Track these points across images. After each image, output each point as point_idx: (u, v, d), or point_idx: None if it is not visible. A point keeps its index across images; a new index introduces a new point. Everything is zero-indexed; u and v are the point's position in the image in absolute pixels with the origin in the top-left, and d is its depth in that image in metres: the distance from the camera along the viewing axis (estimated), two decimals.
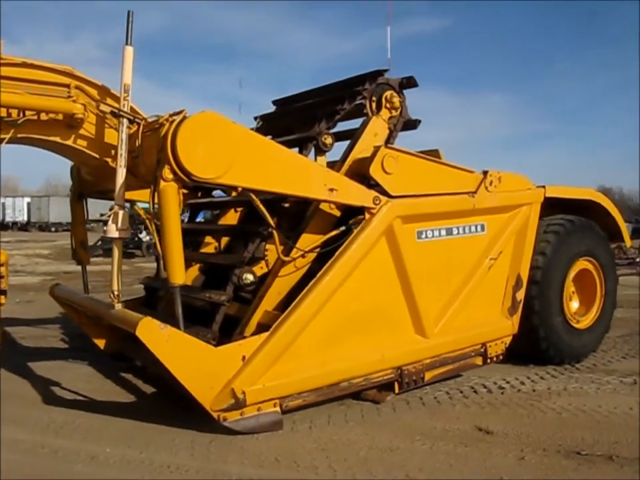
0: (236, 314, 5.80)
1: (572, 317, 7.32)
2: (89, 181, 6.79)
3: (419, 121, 6.60)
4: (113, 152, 5.51)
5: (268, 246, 5.90)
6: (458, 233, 6.32)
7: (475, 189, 6.40)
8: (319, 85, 7.09)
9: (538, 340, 6.93)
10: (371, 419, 5.35)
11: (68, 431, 5.05)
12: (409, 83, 6.42)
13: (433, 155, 6.48)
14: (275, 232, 5.41)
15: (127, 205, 5.54)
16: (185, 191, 5.47)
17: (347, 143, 6.30)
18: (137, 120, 5.28)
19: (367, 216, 5.53)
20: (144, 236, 25.56)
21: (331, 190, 5.34)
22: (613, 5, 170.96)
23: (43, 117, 5.32)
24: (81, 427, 5.13)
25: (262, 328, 5.32)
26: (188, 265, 5.76)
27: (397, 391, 5.79)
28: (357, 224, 5.56)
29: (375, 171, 5.63)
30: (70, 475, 4.18)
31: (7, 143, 5.30)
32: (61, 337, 9.11)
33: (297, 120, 6.96)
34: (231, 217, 7.26)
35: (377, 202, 5.55)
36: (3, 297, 5.69)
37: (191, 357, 4.74)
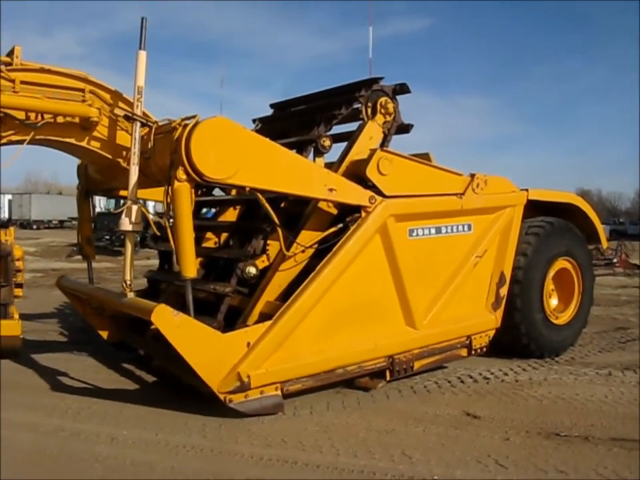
0: (238, 305, 6.15)
1: (551, 314, 7.77)
2: (97, 179, 7.10)
3: (412, 126, 7.02)
4: (124, 153, 5.84)
5: (269, 241, 6.25)
6: (446, 232, 6.75)
7: (463, 191, 6.83)
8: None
9: (520, 335, 7.37)
10: (367, 405, 5.75)
11: (85, 416, 5.40)
12: (402, 89, 6.84)
13: (423, 158, 6.91)
14: (279, 229, 5.80)
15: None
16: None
17: (343, 144, 6.70)
18: (149, 123, 5.63)
19: (363, 214, 5.95)
20: None
21: (331, 190, 5.76)
22: (592, 7, 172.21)
23: (60, 119, 5.63)
24: (97, 412, 5.49)
25: (264, 317, 5.70)
26: None
27: (388, 378, 6.19)
28: (354, 221, 5.97)
29: (371, 172, 6.03)
30: (94, 455, 4.54)
31: (27, 144, 5.60)
32: (60, 331, 9.41)
33: (296, 123, 7.36)
34: (230, 214, 7.63)
35: (373, 201, 5.97)
36: (20, 289, 6.01)
37: (201, 342, 5.12)
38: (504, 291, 7.21)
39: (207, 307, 5.91)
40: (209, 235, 7.42)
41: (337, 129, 7.12)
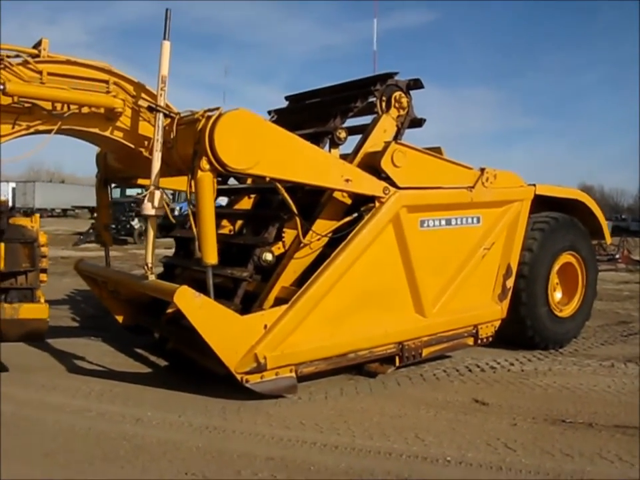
0: (253, 290, 6.34)
1: (556, 307, 7.97)
2: (116, 168, 7.27)
3: (424, 120, 7.21)
4: (146, 143, 6.01)
5: (285, 229, 6.43)
6: (456, 224, 6.95)
7: (473, 184, 7.04)
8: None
9: (525, 328, 7.58)
10: (379, 391, 5.97)
11: (108, 398, 5.61)
12: (416, 84, 7.03)
13: (435, 151, 7.11)
14: (297, 217, 6.01)
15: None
16: None
17: (356, 137, 6.87)
18: (171, 114, 5.82)
19: (377, 204, 6.16)
20: (135, 223, 25.98)
21: (347, 180, 5.98)
22: (599, 2, 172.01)
23: (85, 110, 5.77)
24: (120, 394, 5.70)
25: (280, 302, 5.90)
26: None
27: (397, 364, 6.40)
28: (368, 211, 6.18)
29: (385, 164, 6.24)
30: (121, 434, 4.76)
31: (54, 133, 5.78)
32: (73, 317, 9.63)
33: (311, 115, 7.55)
34: (244, 204, 7.85)
35: (387, 192, 6.18)
36: (44, 274, 6.21)
37: (220, 323, 5.33)
38: (510, 282, 7.40)
39: (222, 292, 6.11)
40: (223, 222, 7.61)
41: (350, 122, 7.31)
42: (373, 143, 6.60)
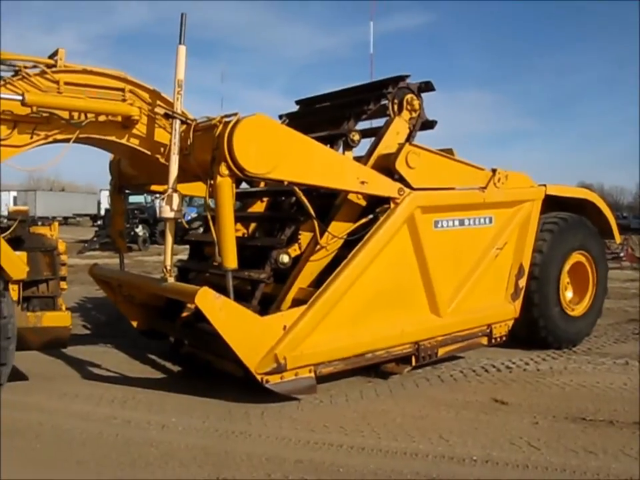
0: (270, 292, 6.37)
1: (567, 306, 8.02)
2: (130, 174, 7.31)
3: (436, 122, 7.27)
4: (162, 149, 6.04)
5: (301, 231, 6.46)
6: (469, 224, 7.02)
7: (485, 185, 7.11)
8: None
9: (538, 329, 7.64)
10: (399, 393, 6.02)
11: (132, 405, 5.66)
12: (427, 87, 7.09)
13: (447, 152, 7.16)
14: (314, 220, 6.08)
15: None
16: None
17: (368, 140, 6.98)
18: (188, 121, 5.88)
19: (392, 205, 6.23)
20: (140, 230, 26.04)
21: (362, 182, 6.05)
22: (595, 2, 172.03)
23: (102, 118, 5.82)
24: (142, 401, 5.75)
25: (297, 303, 5.97)
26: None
27: (413, 364, 6.45)
28: (383, 212, 6.24)
29: (399, 165, 6.31)
30: (149, 441, 4.81)
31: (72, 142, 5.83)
32: (87, 325, 9.64)
33: (323, 118, 7.60)
34: (256, 206, 7.92)
35: (401, 193, 6.25)
36: (64, 282, 6.26)
37: (240, 324, 5.39)
38: (523, 282, 7.46)
39: (239, 294, 6.14)
40: (237, 226, 7.66)
41: (361, 126, 7.36)
42: (386, 145, 6.66)
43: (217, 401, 5.70)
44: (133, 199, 29.98)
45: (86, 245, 24.68)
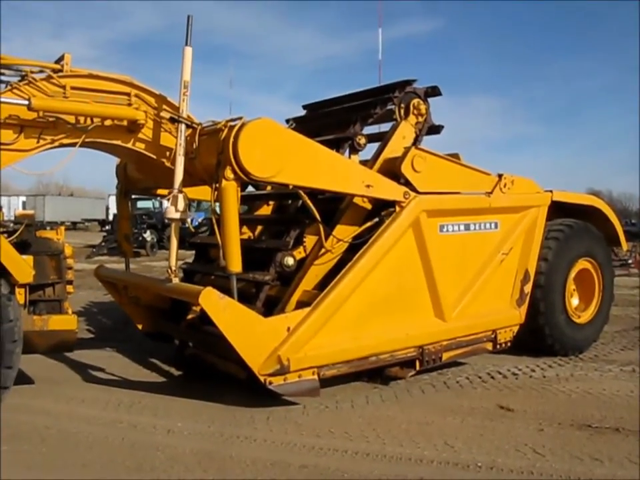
0: (275, 294, 6.38)
1: (573, 313, 7.99)
2: (136, 179, 7.35)
3: (442, 127, 7.29)
4: (168, 153, 6.07)
5: (306, 234, 6.49)
6: (474, 229, 7.03)
7: (491, 190, 7.12)
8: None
9: (544, 337, 7.61)
10: (404, 399, 6.02)
11: (138, 409, 5.68)
12: (434, 92, 7.11)
13: (453, 157, 7.16)
14: (320, 223, 6.11)
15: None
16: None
17: (374, 144, 6.98)
18: (193, 125, 5.89)
19: (397, 209, 6.24)
20: (148, 235, 26.11)
21: (368, 186, 6.07)
22: (604, 8, 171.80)
23: (108, 122, 5.85)
24: (148, 405, 5.77)
25: (302, 305, 5.97)
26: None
27: (417, 368, 6.43)
28: (388, 215, 6.26)
29: (405, 169, 6.33)
30: (154, 445, 4.82)
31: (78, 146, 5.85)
32: (93, 330, 9.67)
33: (330, 122, 7.62)
34: (261, 210, 7.94)
35: (407, 197, 6.27)
36: (71, 286, 6.28)
37: (244, 325, 5.40)
38: (528, 288, 7.45)
39: (244, 296, 6.12)
40: (243, 229, 7.68)
41: (368, 130, 7.37)
42: (392, 149, 6.68)
43: (222, 406, 5.72)
44: (141, 204, 30.09)
45: (94, 249, 24.77)
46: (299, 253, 6.38)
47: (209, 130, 5.81)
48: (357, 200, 6.42)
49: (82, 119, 5.74)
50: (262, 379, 5.46)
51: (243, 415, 5.49)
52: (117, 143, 6.06)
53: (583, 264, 8.18)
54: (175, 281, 5.81)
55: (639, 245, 18.11)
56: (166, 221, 7.08)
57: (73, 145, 5.78)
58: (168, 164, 6.05)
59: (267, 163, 5.44)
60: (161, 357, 7.55)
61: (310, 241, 6.44)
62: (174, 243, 5.80)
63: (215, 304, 5.26)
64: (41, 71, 5.62)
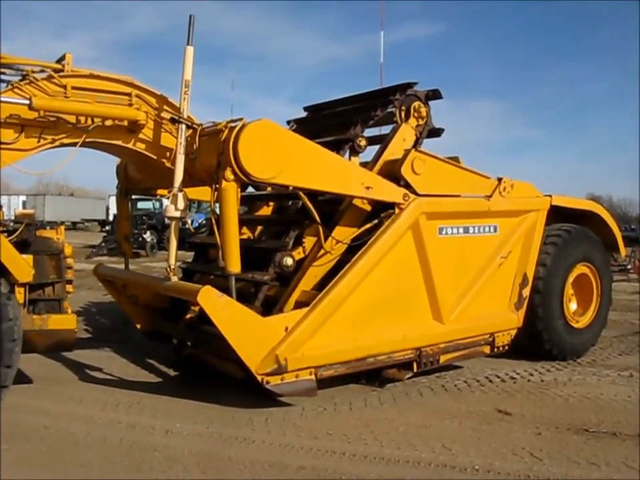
0: (273, 295, 6.39)
1: (572, 318, 7.99)
2: (137, 179, 7.36)
3: (442, 130, 7.31)
4: (168, 154, 6.08)
5: (305, 234, 6.48)
6: (473, 232, 7.04)
7: (491, 193, 7.14)
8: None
9: (542, 342, 7.62)
10: (402, 402, 6.02)
11: (137, 410, 5.69)
12: (435, 95, 7.13)
13: (453, 160, 7.18)
14: (319, 224, 6.13)
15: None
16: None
17: (374, 146, 6.99)
18: (194, 125, 5.91)
19: (397, 210, 6.26)
20: (147, 236, 26.11)
21: (367, 188, 6.08)
22: (605, 12, 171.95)
23: (108, 123, 5.86)
24: (147, 406, 5.78)
25: (300, 305, 5.98)
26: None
27: (415, 370, 6.45)
28: (388, 217, 6.28)
29: (405, 171, 6.35)
30: (153, 445, 4.84)
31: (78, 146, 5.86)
32: (92, 330, 9.65)
33: (330, 124, 7.63)
34: (261, 211, 7.97)
35: (407, 199, 6.28)
36: (71, 285, 6.29)
37: (242, 324, 5.41)
38: (526, 291, 7.46)
39: (243, 296, 6.10)
40: (243, 230, 7.69)
41: (368, 133, 7.39)
42: (393, 151, 6.71)
43: (221, 407, 5.73)
44: (141, 205, 30.10)
45: (94, 250, 24.77)
46: (298, 254, 6.39)
47: (209, 131, 5.82)
48: (356, 201, 6.43)
49: (83, 119, 5.75)
50: (259, 378, 5.47)
51: (242, 416, 5.50)
52: (117, 143, 6.07)
53: (581, 269, 8.19)
54: (174, 279, 5.82)
55: (638, 250, 18.17)
56: (166, 220, 7.08)
57: (74, 144, 5.79)
58: (168, 164, 6.06)
59: (267, 164, 5.45)
60: (160, 357, 7.56)
61: (309, 241, 6.45)
62: (173, 241, 5.81)
63: (214, 302, 5.27)
64: (42, 71, 5.62)
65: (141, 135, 6.08)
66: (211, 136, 5.72)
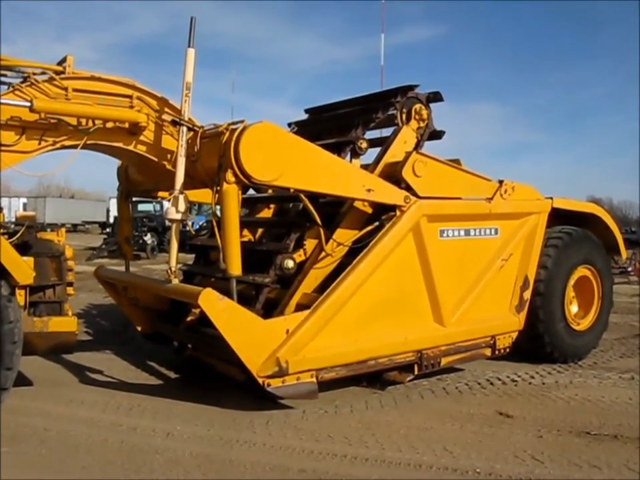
0: (274, 297, 6.37)
1: (573, 321, 7.98)
2: (137, 181, 7.36)
3: (444, 132, 7.29)
4: (169, 156, 6.07)
5: (306, 237, 6.47)
6: (474, 234, 7.02)
7: (492, 196, 7.13)
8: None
9: (543, 345, 7.61)
10: (404, 405, 6.02)
11: (137, 412, 5.68)
12: (436, 97, 7.11)
13: (454, 163, 7.17)
14: (320, 226, 6.12)
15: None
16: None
17: (375, 149, 6.98)
18: (195, 128, 5.90)
19: (398, 213, 6.25)
20: (148, 238, 26.11)
21: (369, 190, 6.07)
22: (606, 16, 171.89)
23: (109, 125, 5.86)
24: (148, 408, 5.77)
25: (301, 308, 5.97)
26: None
27: (416, 372, 6.42)
28: (389, 219, 6.26)
29: (406, 174, 6.34)
30: (153, 448, 4.83)
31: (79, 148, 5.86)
32: (92, 332, 9.65)
33: (332, 126, 7.60)
34: (262, 213, 7.97)
35: (408, 201, 6.27)
36: (71, 288, 6.29)
37: (243, 326, 5.40)
38: (527, 294, 7.44)
39: (243, 299, 6.08)
40: (245, 231, 7.68)
41: (370, 135, 7.40)
42: (394, 154, 6.69)
43: (222, 409, 5.72)
44: (141, 207, 30.09)
45: (94, 252, 24.76)
46: (299, 256, 6.39)
47: (210, 133, 5.82)
48: (357, 204, 6.42)
49: (84, 121, 5.75)
50: (260, 380, 5.46)
51: (243, 418, 5.50)
52: (118, 145, 6.06)
53: (582, 271, 8.18)
54: (175, 281, 5.82)
55: (639, 252, 18.14)
56: (166, 222, 7.08)
57: (75, 146, 5.79)
58: (169, 166, 6.06)
59: (268, 167, 5.45)
60: (160, 360, 7.56)
61: (310, 244, 6.45)
62: (174, 244, 5.81)
63: (214, 305, 5.27)
64: (43, 73, 5.62)
65: (141, 137, 6.08)
66: (212, 138, 5.72)
